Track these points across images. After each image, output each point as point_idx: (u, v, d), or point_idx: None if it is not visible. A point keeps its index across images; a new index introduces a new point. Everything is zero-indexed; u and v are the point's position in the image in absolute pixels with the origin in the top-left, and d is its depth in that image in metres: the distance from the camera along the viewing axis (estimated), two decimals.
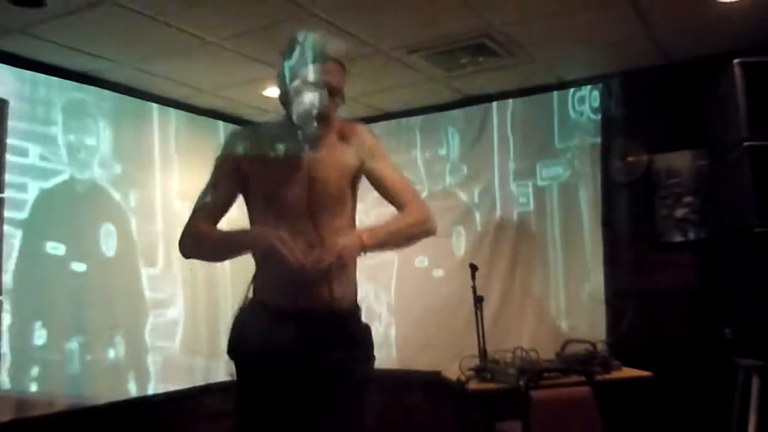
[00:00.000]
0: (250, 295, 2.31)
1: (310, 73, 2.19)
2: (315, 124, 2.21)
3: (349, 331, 2.30)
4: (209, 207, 2.30)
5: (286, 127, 2.30)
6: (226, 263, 4.64)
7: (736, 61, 3.58)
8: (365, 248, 2.16)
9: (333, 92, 2.22)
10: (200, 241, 2.32)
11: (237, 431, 2.35)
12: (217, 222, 2.30)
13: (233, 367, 2.32)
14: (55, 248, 4.21)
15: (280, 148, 2.29)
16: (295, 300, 2.18)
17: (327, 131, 2.28)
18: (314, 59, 2.20)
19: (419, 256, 5.31)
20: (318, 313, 2.20)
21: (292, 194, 2.24)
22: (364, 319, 2.39)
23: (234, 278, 5.32)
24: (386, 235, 2.25)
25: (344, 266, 2.14)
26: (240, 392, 2.32)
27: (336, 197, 2.30)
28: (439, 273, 5.27)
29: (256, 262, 2.30)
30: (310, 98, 2.18)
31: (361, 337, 2.35)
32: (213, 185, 2.32)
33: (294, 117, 2.24)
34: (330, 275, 2.14)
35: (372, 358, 2.38)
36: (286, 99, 2.28)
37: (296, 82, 2.21)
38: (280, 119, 2.36)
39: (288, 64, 2.25)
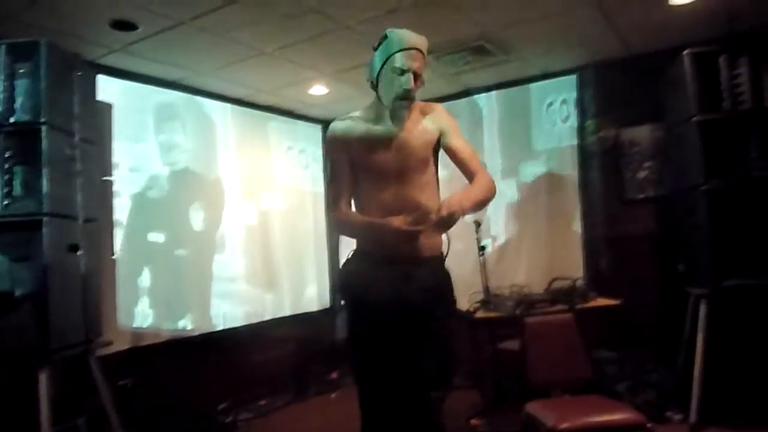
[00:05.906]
0: (354, 247, 2.32)
1: (398, 60, 2.14)
2: (402, 102, 2.19)
3: (428, 273, 2.25)
4: (342, 194, 2.27)
5: (376, 108, 2.27)
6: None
7: (685, 52, 3.50)
8: (464, 213, 2.06)
9: (416, 76, 2.17)
10: (347, 226, 2.33)
11: (347, 350, 2.33)
12: (350, 201, 2.30)
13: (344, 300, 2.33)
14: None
15: (373, 127, 2.25)
16: (391, 250, 2.17)
17: (411, 109, 2.25)
18: (401, 49, 2.15)
19: None
20: (405, 259, 2.19)
21: (386, 162, 2.21)
22: None
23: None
24: (473, 204, 2.14)
25: (450, 226, 2.05)
26: (350, 319, 2.30)
27: (421, 162, 2.25)
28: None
29: None
30: (399, 82, 2.15)
31: (439, 281, 2.31)
32: (337, 173, 2.28)
33: (383, 98, 2.22)
34: (418, 235, 2.11)
35: (449, 296, 2.35)
36: (375, 84, 2.24)
37: (386, 69, 2.17)
38: (370, 104, 2.31)
39: (378, 54, 2.21)
